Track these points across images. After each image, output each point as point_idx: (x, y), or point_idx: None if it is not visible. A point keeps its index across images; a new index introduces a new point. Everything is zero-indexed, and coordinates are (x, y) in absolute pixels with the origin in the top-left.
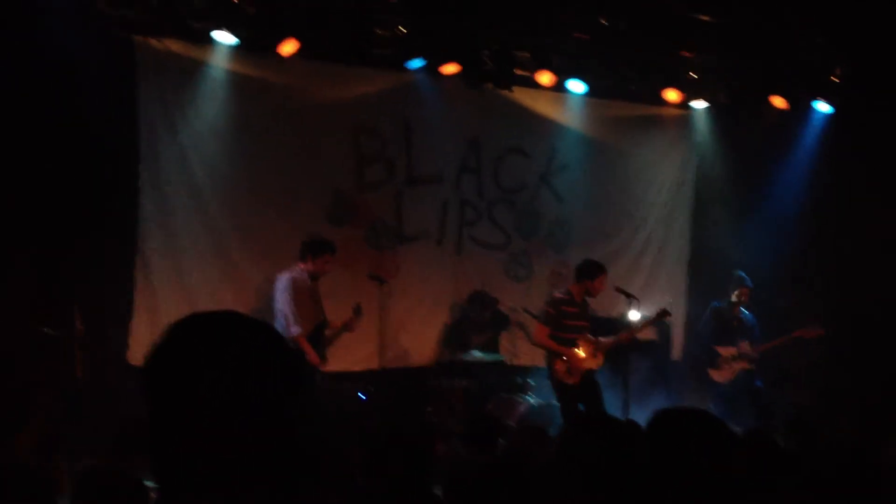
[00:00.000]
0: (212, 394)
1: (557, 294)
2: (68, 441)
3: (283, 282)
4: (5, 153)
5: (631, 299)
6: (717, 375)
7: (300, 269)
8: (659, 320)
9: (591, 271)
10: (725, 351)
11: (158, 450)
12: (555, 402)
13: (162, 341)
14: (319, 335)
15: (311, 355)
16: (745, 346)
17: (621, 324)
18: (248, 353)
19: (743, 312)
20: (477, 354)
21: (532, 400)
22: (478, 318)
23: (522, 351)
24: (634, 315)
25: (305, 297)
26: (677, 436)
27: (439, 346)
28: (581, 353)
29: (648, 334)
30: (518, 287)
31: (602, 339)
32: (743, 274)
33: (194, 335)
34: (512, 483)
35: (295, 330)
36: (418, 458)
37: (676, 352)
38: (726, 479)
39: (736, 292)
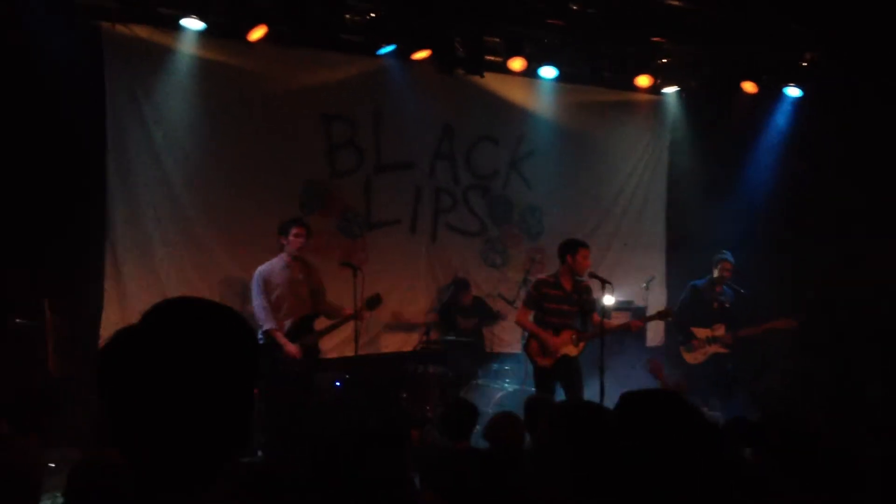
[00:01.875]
0: (164, 377)
1: (541, 276)
2: (42, 431)
3: (254, 278)
4: None
5: (605, 284)
6: (690, 357)
7: (280, 259)
8: (661, 319)
9: (570, 247)
10: (700, 332)
11: (117, 435)
12: (530, 387)
13: (117, 332)
14: (305, 325)
15: (288, 347)
16: (721, 328)
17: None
18: (200, 338)
19: (725, 291)
20: (451, 337)
21: (508, 386)
22: (462, 302)
23: (499, 339)
24: (609, 300)
25: (283, 289)
26: (644, 419)
27: (415, 332)
28: (559, 337)
29: (624, 319)
30: (494, 273)
31: (594, 325)
32: (727, 254)
33: (149, 322)
34: (488, 470)
35: (266, 325)
36: (394, 447)
37: (653, 338)
38: (696, 464)
39: (718, 268)
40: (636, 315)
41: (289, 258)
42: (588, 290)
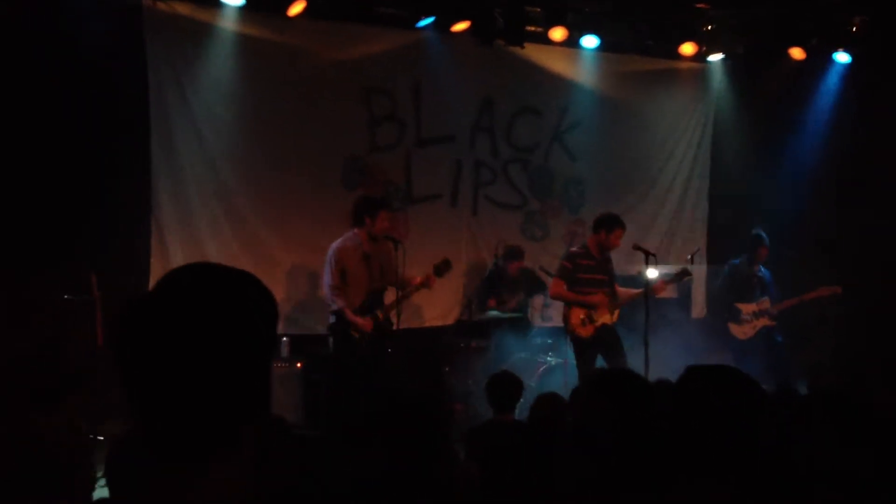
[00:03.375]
0: (177, 343)
1: (573, 248)
2: (92, 407)
3: (329, 254)
4: (19, 123)
5: (649, 256)
6: (739, 332)
7: (353, 235)
8: (679, 280)
9: (608, 223)
10: (747, 308)
11: (135, 401)
12: (573, 361)
13: (131, 300)
14: (375, 300)
15: (358, 321)
16: (766, 302)
17: (640, 281)
18: (213, 303)
19: (761, 270)
20: (493, 313)
21: (551, 359)
22: (508, 273)
23: (538, 312)
24: (652, 273)
25: (356, 264)
26: (707, 392)
27: (457, 304)
28: (596, 300)
29: (668, 292)
30: (534, 246)
31: (620, 292)
32: (762, 232)
33: (162, 288)
34: (532, 443)
35: (337, 304)
36: (438, 418)
37: (697, 310)
38: (754, 436)
39: (758, 249)
40: (681, 287)
41: (364, 235)
42: (610, 261)
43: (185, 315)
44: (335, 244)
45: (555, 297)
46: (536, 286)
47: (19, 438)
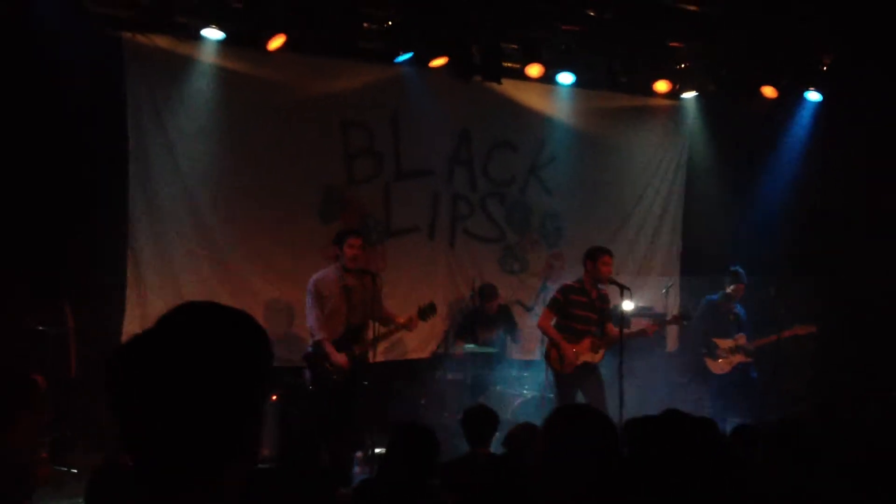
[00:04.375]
0: (170, 381)
1: (568, 282)
2: (61, 437)
3: (309, 286)
4: None
5: (623, 290)
6: (716, 367)
7: (335, 268)
8: (675, 323)
9: (592, 253)
10: (723, 343)
11: (125, 436)
12: (549, 394)
13: (127, 339)
14: (355, 335)
15: (335, 357)
16: (742, 338)
17: (615, 315)
18: (207, 342)
19: (737, 306)
20: (469, 347)
21: (527, 393)
22: (486, 311)
23: (519, 346)
24: (627, 305)
25: (336, 296)
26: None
27: (434, 338)
28: (580, 344)
29: (644, 325)
30: (512, 280)
31: (608, 334)
32: (740, 269)
33: (157, 327)
34: (508, 475)
35: (317, 335)
36: (423, 452)
37: (671, 343)
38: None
39: (732, 287)
40: (656, 320)
41: (342, 269)
42: (606, 300)
43: (181, 354)
44: (315, 276)
45: (541, 329)
46: (512, 325)
47: None
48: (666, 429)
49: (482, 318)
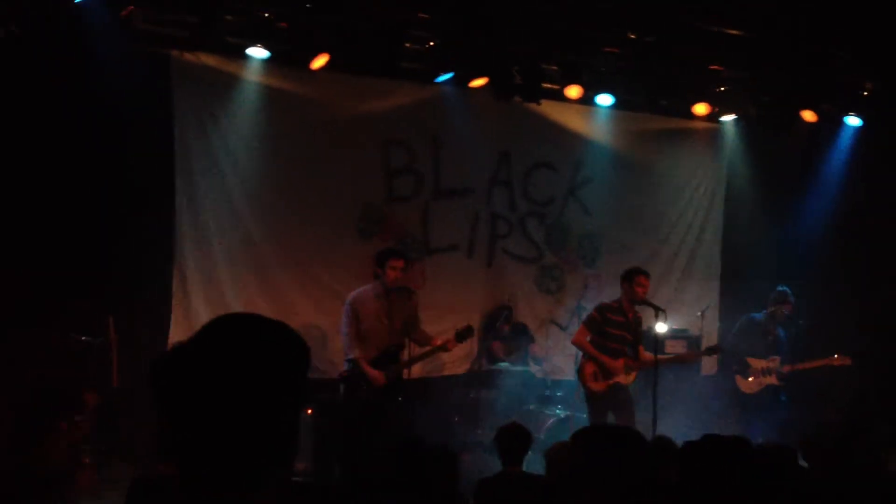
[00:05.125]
0: (214, 389)
1: (606, 301)
2: (102, 447)
3: (346, 304)
4: (48, 168)
5: (658, 312)
6: (745, 385)
7: (372, 287)
8: (708, 354)
9: (628, 274)
10: (757, 363)
11: (169, 444)
12: (582, 413)
13: (172, 347)
14: (391, 355)
15: (372, 373)
16: (776, 361)
17: (649, 337)
18: (249, 352)
19: (779, 328)
20: (503, 365)
21: (560, 412)
22: (499, 332)
23: (549, 365)
24: (661, 328)
25: (373, 315)
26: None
27: (468, 358)
28: (615, 364)
29: (679, 347)
30: (548, 299)
31: (641, 357)
32: (787, 289)
33: (201, 337)
34: (540, 494)
35: (352, 353)
36: (446, 469)
37: (707, 367)
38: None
39: (780, 306)
40: (691, 344)
41: (382, 288)
42: (641, 323)
43: (222, 362)
44: (353, 293)
45: (575, 345)
46: (524, 334)
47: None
48: (729, 454)
49: (495, 336)
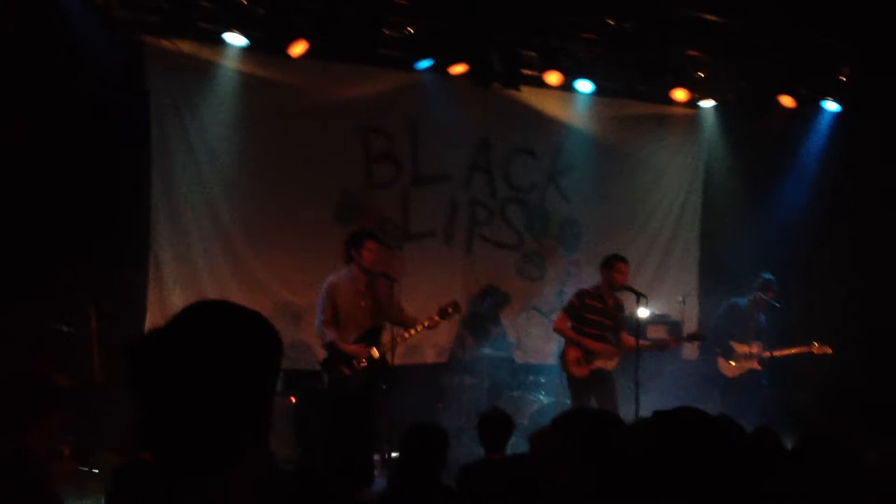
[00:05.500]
0: (188, 374)
1: (584, 286)
2: (83, 438)
3: (322, 288)
4: (19, 156)
5: (640, 297)
6: (727, 369)
7: (347, 272)
8: (690, 341)
9: (607, 261)
10: (740, 347)
11: (145, 429)
12: (566, 399)
13: (146, 332)
14: (370, 338)
15: (352, 350)
16: (757, 346)
17: (630, 322)
18: (221, 338)
19: (760, 313)
20: (487, 351)
21: (543, 398)
22: (490, 314)
23: (532, 349)
24: (643, 313)
25: (350, 300)
26: (675, 433)
27: (450, 342)
28: (595, 348)
29: (660, 333)
30: (530, 286)
31: (623, 343)
32: (771, 276)
33: (175, 323)
34: (523, 478)
35: (328, 336)
36: (433, 454)
37: (688, 353)
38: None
39: (762, 293)
40: (672, 329)
41: (357, 271)
42: (622, 308)
43: (196, 349)
44: (329, 279)
45: (557, 332)
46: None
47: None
48: (688, 425)
49: (488, 318)
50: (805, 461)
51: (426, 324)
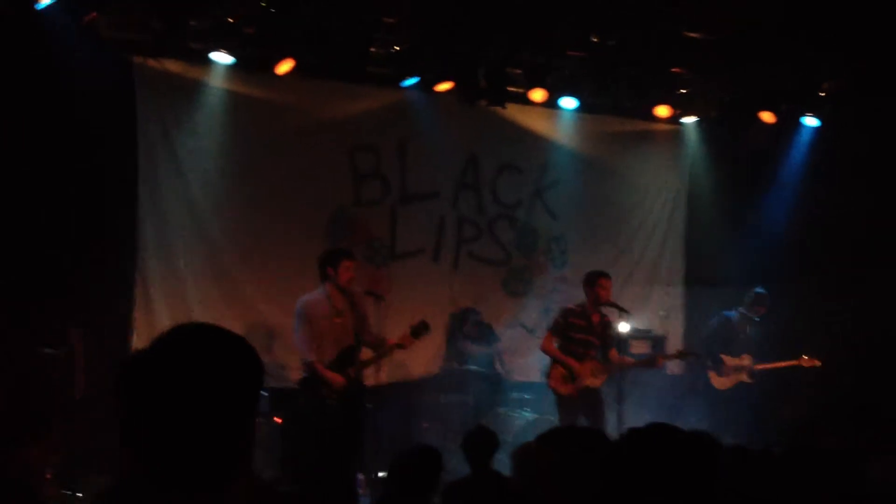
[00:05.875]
0: (172, 396)
1: (570, 305)
2: (66, 460)
3: (297, 308)
4: (7, 172)
5: (622, 312)
6: (718, 382)
7: (323, 290)
8: (682, 359)
9: (589, 277)
10: (730, 361)
11: (129, 447)
12: (551, 416)
13: (132, 354)
14: (348, 357)
15: (330, 376)
16: (747, 359)
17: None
18: (205, 361)
19: (753, 327)
20: (473, 367)
21: (528, 415)
22: (467, 334)
23: (516, 367)
24: (624, 327)
25: (325, 319)
26: (651, 451)
27: (437, 359)
28: (582, 367)
29: (643, 348)
30: (515, 302)
31: (612, 361)
32: (764, 290)
33: (164, 345)
34: (508, 497)
35: (308, 357)
36: (425, 476)
37: (672, 367)
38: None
39: (755, 307)
40: (656, 344)
41: (333, 289)
42: (610, 326)
43: (177, 371)
44: (303, 298)
45: (543, 351)
46: (492, 337)
47: None
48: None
49: (466, 337)
50: (790, 471)
51: (396, 343)
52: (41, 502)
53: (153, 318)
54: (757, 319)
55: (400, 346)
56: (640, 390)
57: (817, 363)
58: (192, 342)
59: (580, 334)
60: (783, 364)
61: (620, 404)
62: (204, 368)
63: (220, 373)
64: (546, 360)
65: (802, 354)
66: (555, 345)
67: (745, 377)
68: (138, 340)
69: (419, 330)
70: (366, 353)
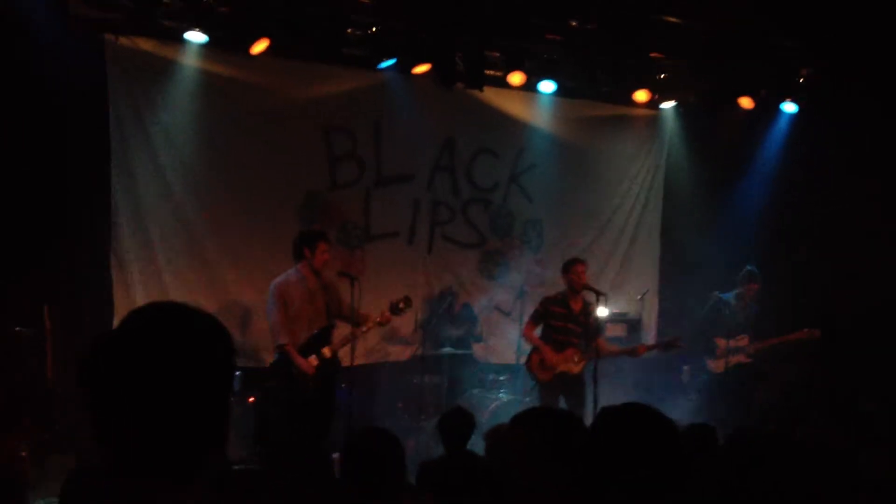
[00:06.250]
0: (141, 377)
1: (550, 294)
2: (40, 440)
3: (270, 290)
4: None
5: (599, 296)
6: (713, 365)
7: (296, 271)
8: (667, 348)
9: (566, 265)
10: (722, 342)
11: (99, 432)
12: (526, 397)
13: (103, 335)
14: (322, 337)
15: (299, 362)
16: (744, 339)
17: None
18: (175, 341)
19: (749, 306)
20: (448, 350)
21: (503, 396)
22: (448, 314)
23: (493, 349)
24: (602, 311)
25: (300, 300)
26: (621, 430)
27: (411, 341)
28: (560, 356)
29: (619, 332)
30: (491, 284)
31: (600, 346)
32: (755, 269)
33: (132, 326)
34: (484, 473)
35: (281, 340)
36: (389, 456)
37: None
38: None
39: (745, 287)
40: (632, 327)
41: (307, 270)
42: (590, 313)
43: (148, 351)
44: (277, 280)
45: (524, 338)
46: (472, 319)
47: None
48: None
49: (445, 319)
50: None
51: (378, 320)
52: (25, 483)
53: (131, 295)
54: (751, 299)
55: (381, 323)
56: (617, 373)
57: (817, 334)
58: (160, 322)
59: (560, 322)
60: (782, 339)
61: (596, 389)
62: (173, 348)
63: (190, 353)
64: (521, 342)
65: (801, 328)
66: (535, 332)
67: (742, 358)
68: (118, 319)
69: (398, 306)
70: (343, 330)
